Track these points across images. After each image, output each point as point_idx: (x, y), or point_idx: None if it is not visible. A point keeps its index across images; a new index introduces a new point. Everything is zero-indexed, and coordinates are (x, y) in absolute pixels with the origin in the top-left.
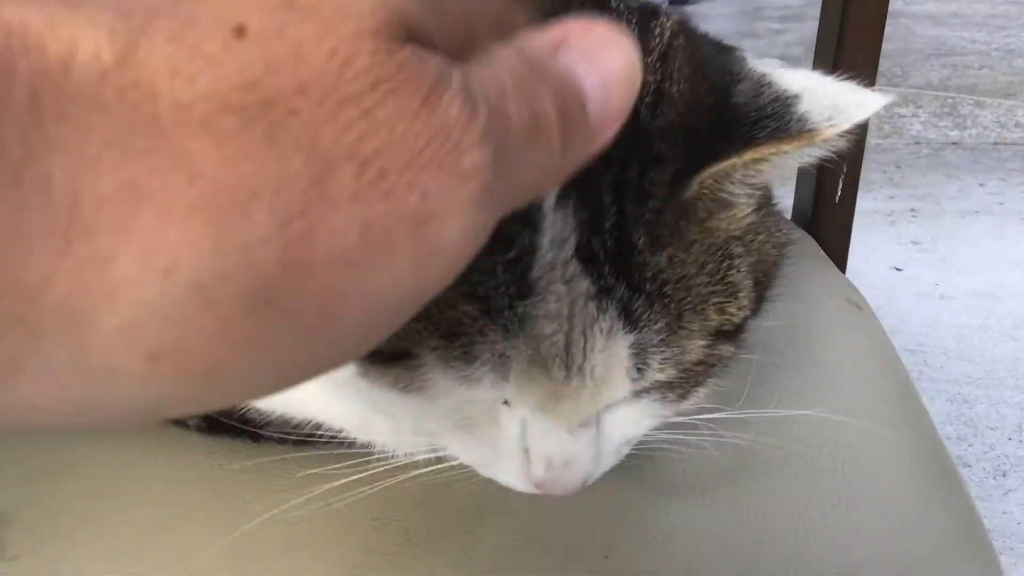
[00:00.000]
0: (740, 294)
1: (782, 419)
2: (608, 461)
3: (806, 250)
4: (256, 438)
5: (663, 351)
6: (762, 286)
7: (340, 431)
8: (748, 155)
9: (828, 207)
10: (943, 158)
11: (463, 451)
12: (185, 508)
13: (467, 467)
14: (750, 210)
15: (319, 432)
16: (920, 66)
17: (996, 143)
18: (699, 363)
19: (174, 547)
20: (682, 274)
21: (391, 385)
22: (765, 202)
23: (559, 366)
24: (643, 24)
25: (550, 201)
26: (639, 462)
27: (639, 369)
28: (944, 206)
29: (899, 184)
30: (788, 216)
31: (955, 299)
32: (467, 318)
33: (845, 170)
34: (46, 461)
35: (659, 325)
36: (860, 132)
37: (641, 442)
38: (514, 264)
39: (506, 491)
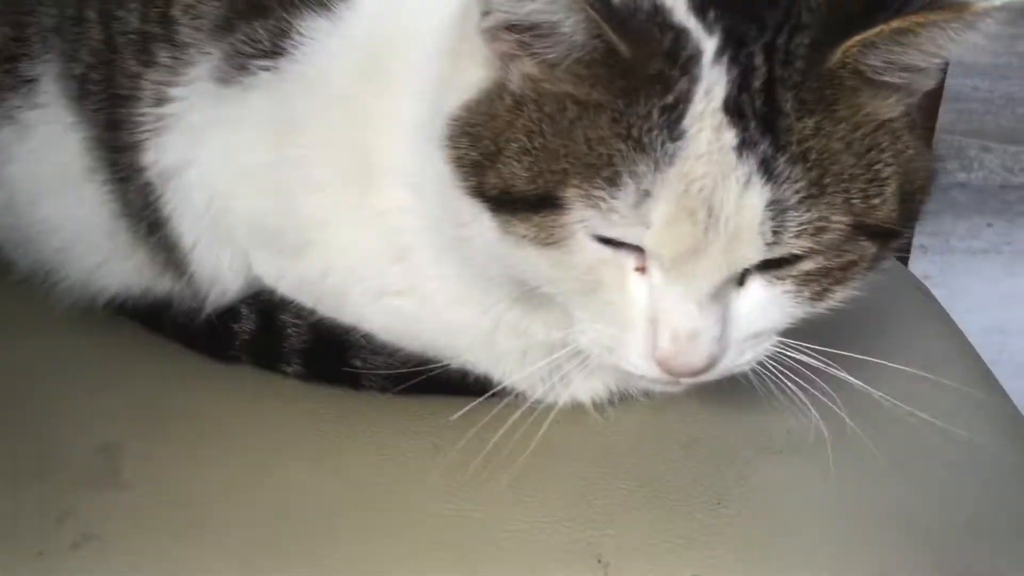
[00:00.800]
0: (886, 190)
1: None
2: (733, 355)
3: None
4: (356, 386)
5: (801, 215)
6: (907, 202)
7: (456, 362)
8: (895, 23)
9: None
10: (951, 198)
11: (589, 323)
12: (289, 447)
13: (589, 358)
14: (899, 103)
15: (424, 370)
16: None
17: (1003, 186)
18: (838, 254)
19: (283, 484)
20: (828, 145)
21: (532, 239)
22: (913, 123)
23: (701, 215)
24: None
25: (709, 55)
26: (747, 416)
27: (775, 231)
28: (953, 244)
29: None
30: None
31: (967, 335)
32: (618, 154)
33: None
34: (152, 404)
35: (799, 185)
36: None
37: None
38: (670, 108)
39: (619, 436)
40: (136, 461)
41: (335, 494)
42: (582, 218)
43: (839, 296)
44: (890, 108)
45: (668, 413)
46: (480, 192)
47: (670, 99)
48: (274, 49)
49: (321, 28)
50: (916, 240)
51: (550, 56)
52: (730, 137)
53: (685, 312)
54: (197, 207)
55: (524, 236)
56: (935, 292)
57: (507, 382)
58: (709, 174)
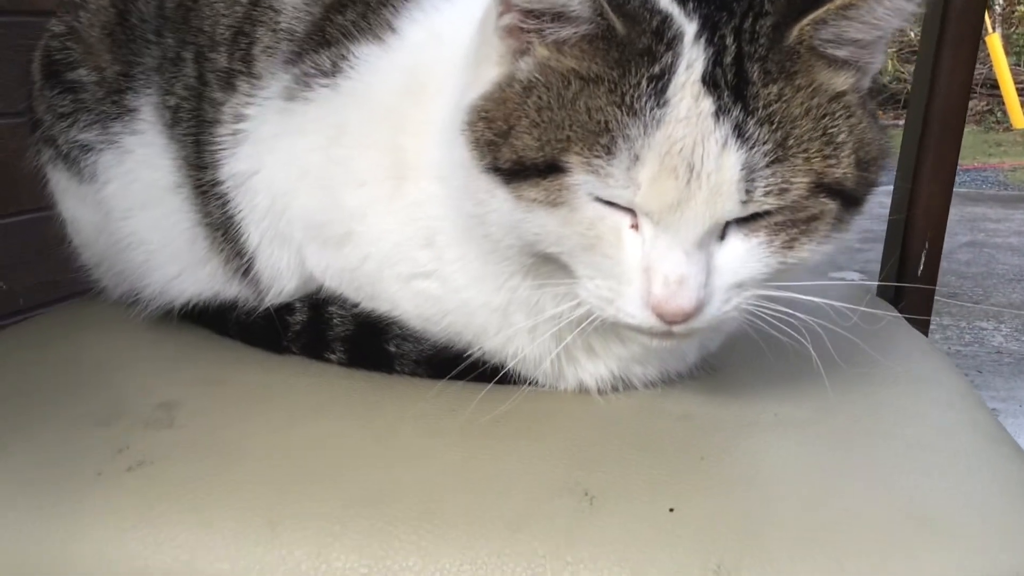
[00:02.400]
0: (841, 154)
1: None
2: (718, 303)
3: (893, 321)
4: (390, 370)
5: (768, 175)
6: (863, 169)
7: (473, 344)
8: (838, 1)
9: (911, 280)
10: None
11: (590, 278)
12: (325, 408)
13: (591, 315)
14: (850, 78)
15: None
16: (1002, 288)
17: None
18: (802, 208)
19: (317, 431)
20: (788, 110)
21: (541, 201)
22: (863, 100)
23: (681, 171)
24: None
25: (689, 36)
26: (738, 400)
27: (747, 190)
28: None
29: (981, 387)
30: (874, 293)
31: None
32: (613, 119)
33: (928, 245)
34: (204, 372)
35: (767, 147)
36: (943, 201)
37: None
38: (656, 79)
39: (618, 411)
40: (189, 413)
41: (358, 440)
42: (583, 181)
43: (807, 248)
44: (842, 82)
45: (666, 396)
46: (495, 167)
47: (656, 70)
48: (334, 69)
49: (373, 53)
50: (988, 404)
51: (561, 34)
52: (708, 104)
53: (673, 259)
54: (262, 208)
55: (534, 199)
56: None
57: (518, 362)
58: (689, 135)
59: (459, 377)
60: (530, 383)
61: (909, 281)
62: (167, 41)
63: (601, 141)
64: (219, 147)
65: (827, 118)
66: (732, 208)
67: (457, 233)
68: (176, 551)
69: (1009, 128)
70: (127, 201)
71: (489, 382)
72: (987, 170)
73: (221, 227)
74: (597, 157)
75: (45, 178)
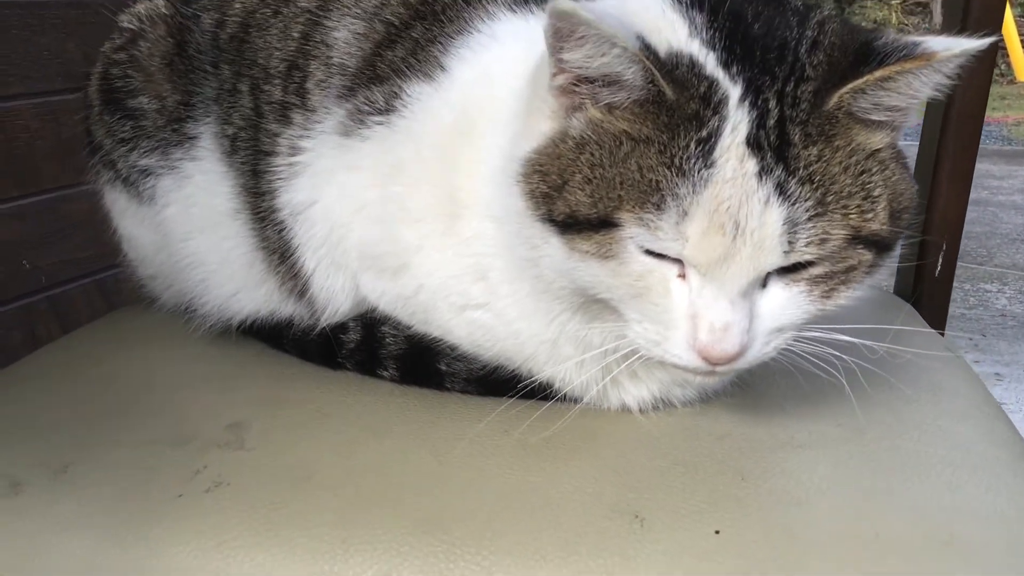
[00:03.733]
0: (877, 207)
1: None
2: (759, 346)
3: (907, 317)
4: (441, 388)
5: (809, 228)
6: (896, 219)
7: (523, 369)
8: (878, 72)
9: (929, 282)
10: None
11: (639, 322)
12: (385, 428)
13: (637, 354)
14: (885, 137)
15: (496, 377)
16: (1005, 248)
17: None
18: (841, 260)
19: (379, 452)
20: (828, 169)
21: (593, 253)
22: (898, 155)
23: (728, 227)
24: (805, 11)
25: (734, 99)
26: (775, 418)
27: (789, 242)
28: None
29: (984, 350)
30: (891, 291)
31: None
32: (663, 178)
33: (945, 246)
34: (266, 391)
35: (808, 204)
36: (960, 204)
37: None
38: (704, 141)
39: (659, 430)
40: (257, 434)
41: (419, 461)
42: (633, 235)
43: (844, 296)
44: (878, 141)
45: (704, 415)
46: (550, 218)
47: (704, 133)
48: (387, 107)
49: (425, 92)
50: (991, 368)
51: (613, 100)
52: (752, 165)
53: (719, 308)
54: (319, 237)
55: (586, 252)
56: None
57: (566, 387)
58: (735, 195)
59: (508, 395)
60: (576, 403)
61: (926, 283)
62: (224, 72)
63: (652, 199)
64: (276, 177)
65: (864, 175)
66: (775, 260)
67: (509, 270)
68: (255, 570)
69: (1013, 81)
70: (187, 225)
71: (536, 399)
72: (990, 124)
73: (277, 251)
74: (648, 212)
75: (101, 198)
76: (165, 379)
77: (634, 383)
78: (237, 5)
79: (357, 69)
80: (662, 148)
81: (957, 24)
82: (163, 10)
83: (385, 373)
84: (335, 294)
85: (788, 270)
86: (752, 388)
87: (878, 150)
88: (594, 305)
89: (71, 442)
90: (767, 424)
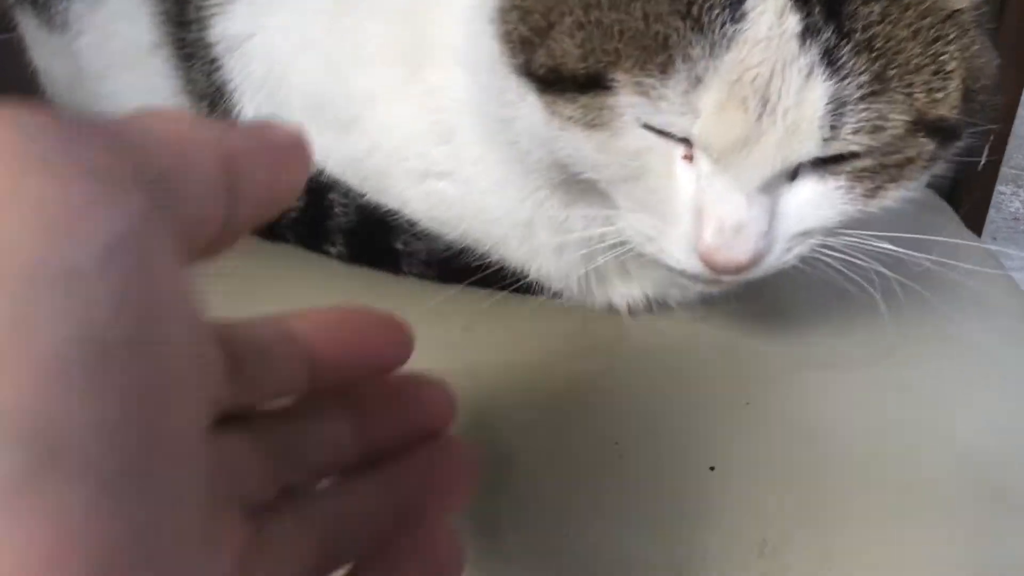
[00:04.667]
0: (950, 84)
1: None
2: (778, 253)
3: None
4: (396, 270)
5: (861, 110)
6: (969, 100)
7: (492, 253)
8: None
9: (970, 176)
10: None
11: (632, 209)
12: None
13: (627, 247)
14: None
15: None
16: (1022, 150)
17: None
18: (896, 151)
19: None
20: (894, 33)
21: (577, 120)
22: (981, 18)
23: (753, 103)
24: None
25: None
26: (791, 332)
27: (832, 126)
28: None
29: (996, 255)
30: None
31: None
32: (674, 32)
33: (993, 137)
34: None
35: (862, 79)
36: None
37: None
38: None
39: (652, 337)
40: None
41: None
42: (631, 104)
43: (892, 195)
44: None
45: (705, 323)
46: (528, 70)
47: None
48: None
49: None
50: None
51: None
52: (794, 22)
53: (732, 203)
54: (256, 78)
55: (570, 117)
56: None
57: (541, 276)
58: (767, 61)
59: (474, 281)
60: (553, 295)
61: (966, 177)
62: None
63: (657, 58)
64: (207, 3)
65: (938, 43)
66: (811, 149)
67: (479, 130)
68: None
69: None
70: (101, 59)
71: (506, 289)
72: None
73: (207, 97)
74: (650, 76)
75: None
76: None
77: (624, 281)
78: None
79: None
80: None
81: None
82: None
83: (332, 249)
84: None
85: (827, 161)
86: (763, 294)
87: (959, 10)
88: (576, 185)
89: None
90: (783, 338)
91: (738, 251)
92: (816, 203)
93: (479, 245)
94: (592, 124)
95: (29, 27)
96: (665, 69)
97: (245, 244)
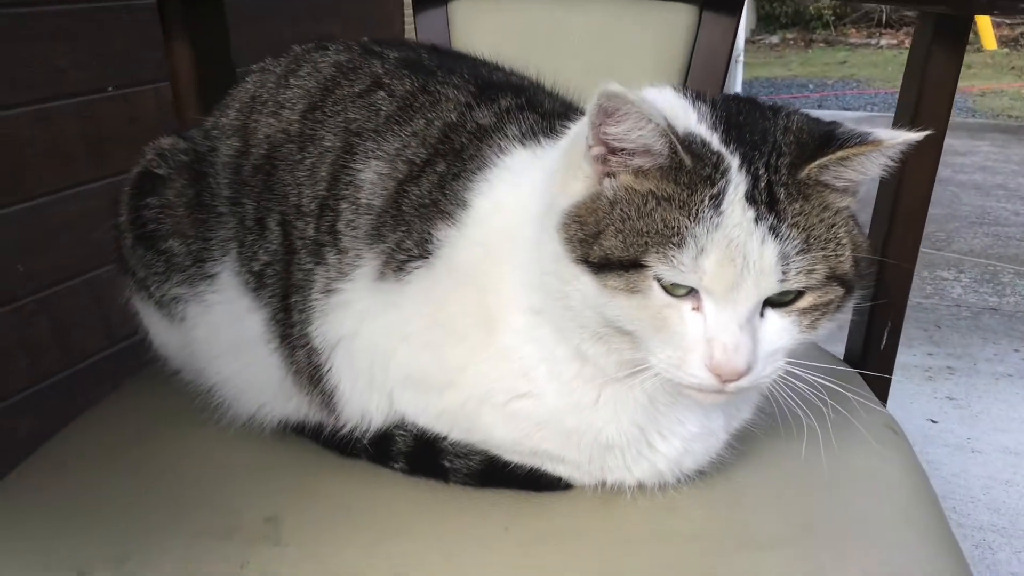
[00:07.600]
0: (845, 252)
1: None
2: (762, 366)
3: (855, 385)
4: (446, 479)
5: (799, 261)
6: (857, 264)
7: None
8: (839, 153)
9: (874, 353)
10: (981, 322)
11: (660, 350)
12: (404, 526)
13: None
14: (846, 199)
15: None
16: (964, 233)
17: None
18: (823, 293)
19: (399, 551)
20: (807, 219)
21: (621, 289)
22: (854, 215)
23: (737, 260)
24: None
25: (735, 167)
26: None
27: (783, 271)
28: (980, 367)
29: (938, 343)
30: (841, 357)
31: (985, 454)
32: (683, 225)
33: (890, 325)
34: (298, 485)
35: (795, 243)
36: (904, 287)
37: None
38: (715, 197)
39: (638, 526)
40: (291, 529)
41: (434, 558)
42: (658, 273)
43: (824, 327)
44: (841, 201)
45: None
46: (585, 260)
47: (715, 191)
48: (421, 253)
49: (451, 235)
50: (944, 361)
51: (642, 165)
52: (751, 213)
53: (730, 331)
54: (360, 366)
55: (615, 287)
56: (957, 413)
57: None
58: (740, 234)
59: (507, 486)
60: (568, 487)
61: (871, 354)
62: (246, 207)
63: (674, 240)
64: (311, 311)
65: (834, 227)
66: (773, 285)
67: (546, 362)
68: None
69: (980, 49)
70: (214, 348)
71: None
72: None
73: (306, 373)
74: (671, 251)
75: (130, 301)
76: (204, 463)
77: (664, 441)
78: (261, 134)
79: (382, 208)
80: (682, 203)
81: (907, 123)
82: (182, 156)
83: (396, 466)
84: (369, 411)
85: (782, 304)
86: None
87: (842, 208)
88: (616, 337)
89: (127, 530)
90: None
91: (738, 361)
92: (779, 330)
93: (548, 451)
94: (632, 290)
95: (150, 315)
96: (680, 245)
97: (333, 461)
